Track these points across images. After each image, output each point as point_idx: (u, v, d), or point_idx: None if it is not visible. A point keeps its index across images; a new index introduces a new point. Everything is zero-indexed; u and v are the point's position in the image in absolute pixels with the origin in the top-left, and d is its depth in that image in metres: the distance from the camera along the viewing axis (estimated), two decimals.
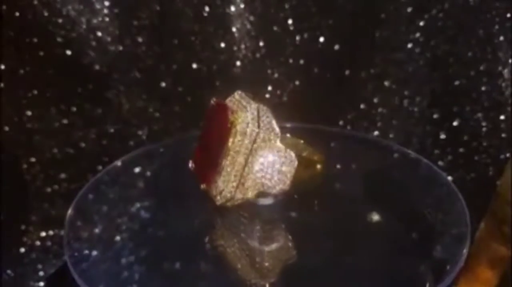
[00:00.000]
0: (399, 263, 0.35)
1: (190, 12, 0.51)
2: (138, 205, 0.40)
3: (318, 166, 0.38)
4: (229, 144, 0.34)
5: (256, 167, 0.34)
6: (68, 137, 0.53)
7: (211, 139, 0.36)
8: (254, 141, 0.34)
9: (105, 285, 0.33)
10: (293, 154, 0.34)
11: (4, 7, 0.49)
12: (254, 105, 0.34)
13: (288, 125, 0.43)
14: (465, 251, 0.33)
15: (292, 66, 0.53)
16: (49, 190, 0.54)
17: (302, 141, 0.39)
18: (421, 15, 0.52)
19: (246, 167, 0.34)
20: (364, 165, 0.44)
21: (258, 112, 0.34)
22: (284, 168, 0.34)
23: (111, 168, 0.42)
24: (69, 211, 0.37)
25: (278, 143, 0.34)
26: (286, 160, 0.34)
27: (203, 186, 0.35)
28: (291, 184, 0.34)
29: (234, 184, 0.34)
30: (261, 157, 0.34)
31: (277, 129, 0.34)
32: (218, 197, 0.34)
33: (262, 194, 0.35)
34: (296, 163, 0.34)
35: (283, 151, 0.34)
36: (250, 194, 0.35)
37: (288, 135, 0.39)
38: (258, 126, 0.34)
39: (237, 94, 0.35)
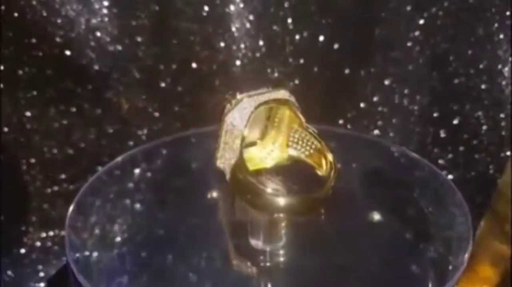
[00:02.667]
0: (400, 264, 0.35)
1: (189, 11, 0.51)
2: (139, 204, 0.40)
3: (332, 183, 0.37)
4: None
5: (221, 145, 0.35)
6: (68, 138, 0.53)
7: None
8: (224, 122, 0.35)
9: (107, 286, 0.33)
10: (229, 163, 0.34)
11: (3, 7, 0.49)
12: (240, 96, 0.35)
13: None
14: (467, 252, 0.33)
15: (292, 66, 0.53)
16: (49, 190, 0.54)
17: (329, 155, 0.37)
18: (421, 13, 0.52)
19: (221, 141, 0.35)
20: (364, 164, 0.44)
21: (238, 102, 0.34)
22: (225, 161, 0.35)
23: (110, 167, 0.42)
24: (70, 211, 0.37)
25: (236, 139, 0.34)
26: (229, 153, 0.35)
27: None
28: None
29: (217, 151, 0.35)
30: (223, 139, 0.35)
31: (240, 126, 0.34)
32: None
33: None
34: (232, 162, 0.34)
35: (230, 148, 0.34)
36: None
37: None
38: (229, 112, 0.34)
39: (281, 91, 0.36)
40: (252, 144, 0.38)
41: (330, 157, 0.35)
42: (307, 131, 0.36)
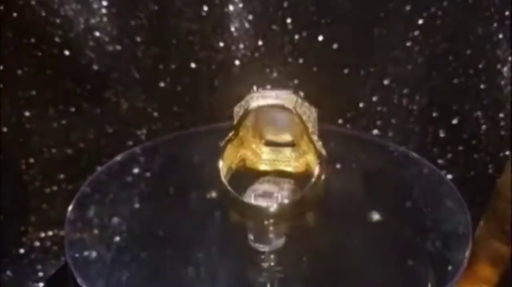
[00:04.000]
0: (399, 264, 0.35)
1: (188, 11, 0.51)
2: (138, 203, 0.40)
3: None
4: None
5: None
6: (67, 138, 0.53)
7: None
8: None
9: (106, 285, 0.33)
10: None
11: (1, 7, 0.49)
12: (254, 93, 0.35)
13: None
14: (467, 252, 0.33)
15: (291, 65, 0.53)
16: (48, 190, 0.54)
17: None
18: (420, 13, 0.52)
19: None
20: (363, 164, 0.44)
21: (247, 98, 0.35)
22: None
23: (110, 166, 0.42)
24: (69, 211, 0.37)
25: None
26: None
27: None
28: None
29: None
30: None
31: (234, 122, 0.34)
32: None
33: (264, 194, 0.35)
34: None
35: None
36: None
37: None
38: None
39: (296, 97, 0.35)
40: (292, 144, 0.37)
41: (318, 169, 0.34)
42: (311, 140, 0.36)
